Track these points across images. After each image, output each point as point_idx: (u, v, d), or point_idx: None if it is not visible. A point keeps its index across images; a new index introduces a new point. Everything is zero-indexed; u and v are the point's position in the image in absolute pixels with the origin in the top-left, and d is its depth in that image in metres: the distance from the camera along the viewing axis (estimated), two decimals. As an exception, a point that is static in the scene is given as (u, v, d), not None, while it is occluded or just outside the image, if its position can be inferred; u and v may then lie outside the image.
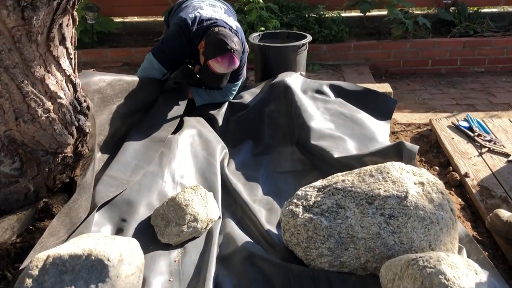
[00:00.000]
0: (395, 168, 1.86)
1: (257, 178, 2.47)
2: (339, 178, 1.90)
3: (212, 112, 2.91)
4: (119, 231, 1.96)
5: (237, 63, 2.58)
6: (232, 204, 2.24)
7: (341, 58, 4.44)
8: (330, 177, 1.99)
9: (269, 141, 2.75)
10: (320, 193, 1.87)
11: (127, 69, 4.26)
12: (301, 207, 1.85)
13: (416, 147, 2.15)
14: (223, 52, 2.50)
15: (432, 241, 1.67)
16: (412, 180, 1.80)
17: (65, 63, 1.76)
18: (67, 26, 1.70)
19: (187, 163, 2.37)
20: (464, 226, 2.04)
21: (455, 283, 1.38)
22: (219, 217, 2.13)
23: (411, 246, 1.68)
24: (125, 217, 2.00)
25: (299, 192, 1.92)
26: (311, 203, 1.85)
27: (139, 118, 2.61)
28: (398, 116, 3.20)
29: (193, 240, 2.02)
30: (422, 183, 1.79)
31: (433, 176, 1.85)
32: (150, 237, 1.99)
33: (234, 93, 3.01)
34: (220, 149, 2.52)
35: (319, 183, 1.95)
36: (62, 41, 1.70)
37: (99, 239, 1.64)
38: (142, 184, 2.15)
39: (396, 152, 2.18)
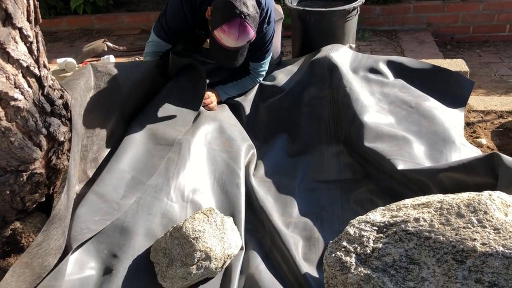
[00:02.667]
0: (496, 204, 1.26)
1: (292, 189, 1.92)
2: (410, 214, 1.32)
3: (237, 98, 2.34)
4: (107, 271, 1.48)
5: (251, 33, 1.94)
6: (260, 229, 1.71)
7: (398, 23, 3.72)
8: (394, 206, 1.41)
9: (308, 137, 2.17)
10: (381, 235, 1.31)
11: (146, 37, 3.70)
12: (353, 255, 1.30)
13: (519, 164, 1.51)
14: (229, 18, 1.86)
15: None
16: (526, 227, 1.19)
17: (17, 51, 1.23)
18: (14, -3, 1.16)
19: (202, 171, 1.84)
20: None
21: None
22: (241, 248, 1.61)
23: (523, 333, 1.11)
24: (116, 252, 1.52)
25: (351, 231, 1.36)
26: (368, 251, 1.29)
27: (137, 106, 2.08)
28: (472, 100, 2.53)
29: (205, 282, 1.53)
30: (540, 231, 1.19)
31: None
32: (149, 278, 1.51)
33: (264, 74, 2.42)
34: (245, 150, 1.97)
35: (379, 216, 1.38)
36: (8, 19, 1.16)
37: (66, 304, 1.16)
38: (140, 203, 1.64)
39: (487, 169, 1.56)
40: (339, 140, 2.11)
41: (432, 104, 2.16)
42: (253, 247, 1.64)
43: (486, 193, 1.30)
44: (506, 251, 1.13)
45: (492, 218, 1.21)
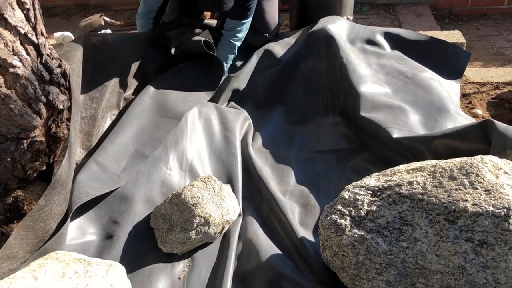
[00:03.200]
0: (488, 167, 1.28)
1: (289, 159, 1.95)
2: (404, 178, 1.35)
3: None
4: (108, 237, 1.52)
5: None
6: (257, 196, 1.75)
7: (396, -4, 3.71)
8: (389, 171, 1.44)
9: (305, 108, 2.19)
10: (376, 198, 1.34)
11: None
12: (348, 218, 1.33)
13: (512, 129, 1.53)
14: None
15: (546, 285, 1.13)
16: (516, 188, 1.23)
17: (14, 17, 1.24)
18: (10, -39, 1.16)
19: (199, 142, 1.86)
20: None
21: None
22: (239, 215, 1.64)
23: (511, 288, 1.15)
24: (117, 218, 1.55)
25: (346, 195, 1.39)
26: (362, 214, 1.32)
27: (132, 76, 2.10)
28: (468, 71, 2.54)
29: (205, 246, 1.57)
30: (529, 193, 1.22)
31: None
32: (149, 243, 1.54)
33: (240, 36, 2.32)
34: (241, 122, 1.99)
35: (373, 181, 1.41)
36: (4, -16, 1.17)
37: (69, 265, 1.20)
38: (140, 172, 1.67)
39: (481, 136, 1.58)
40: (335, 111, 2.13)
41: (428, 75, 2.18)
42: (250, 214, 1.67)
43: (478, 157, 1.33)
44: (496, 210, 1.17)
45: (484, 180, 1.24)
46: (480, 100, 2.32)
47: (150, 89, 2.04)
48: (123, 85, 2.05)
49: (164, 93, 2.03)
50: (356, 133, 1.98)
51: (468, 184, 1.25)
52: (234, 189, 1.71)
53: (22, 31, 1.28)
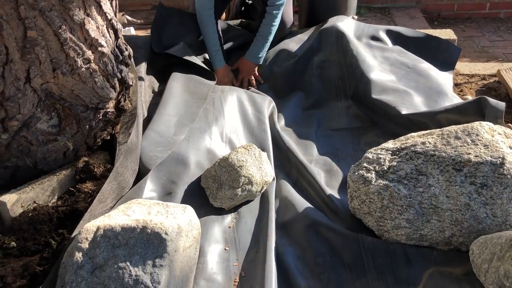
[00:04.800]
0: (485, 129, 1.60)
1: (310, 136, 2.25)
2: (417, 140, 1.66)
3: None
4: (167, 193, 1.78)
5: None
6: (286, 164, 2.03)
7: (390, 1, 4.06)
8: (403, 138, 1.75)
9: (320, 94, 2.49)
10: (395, 156, 1.64)
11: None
12: (373, 172, 1.63)
13: (502, 104, 1.87)
14: None
15: (533, 216, 1.45)
16: (507, 144, 1.55)
17: (106, 5, 1.51)
18: (107, -42, 1.44)
19: (234, 119, 2.15)
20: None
21: None
22: (273, 179, 1.93)
23: (505, 220, 1.47)
24: (174, 179, 1.82)
25: (369, 155, 1.70)
26: (385, 168, 1.62)
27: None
28: (458, 65, 2.88)
29: (247, 204, 1.84)
30: (518, 147, 1.54)
31: (530, 139, 1.59)
32: (201, 200, 1.81)
33: (281, 5, 2.57)
34: (267, 103, 2.29)
35: (391, 145, 1.71)
36: (103, -23, 1.45)
37: (150, 207, 1.47)
38: (189, 141, 1.94)
39: (476, 110, 1.91)
40: (347, 96, 2.44)
41: (426, 66, 2.51)
42: (282, 178, 1.95)
43: (477, 122, 1.64)
44: (494, 160, 1.48)
45: (482, 138, 1.56)
46: (470, 89, 2.67)
47: (175, 78, 2.32)
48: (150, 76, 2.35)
49: (186, 79, 2.33)
50: (367, 114, 2.30)
51: (470, 142, 1.56)
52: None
53: (109, 17, 1.55)
